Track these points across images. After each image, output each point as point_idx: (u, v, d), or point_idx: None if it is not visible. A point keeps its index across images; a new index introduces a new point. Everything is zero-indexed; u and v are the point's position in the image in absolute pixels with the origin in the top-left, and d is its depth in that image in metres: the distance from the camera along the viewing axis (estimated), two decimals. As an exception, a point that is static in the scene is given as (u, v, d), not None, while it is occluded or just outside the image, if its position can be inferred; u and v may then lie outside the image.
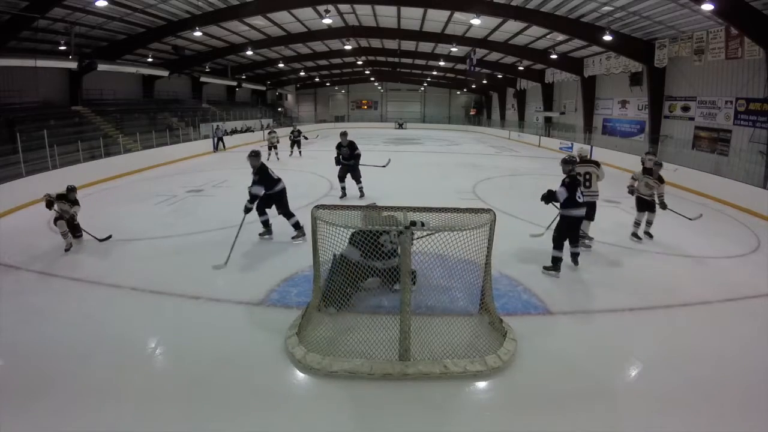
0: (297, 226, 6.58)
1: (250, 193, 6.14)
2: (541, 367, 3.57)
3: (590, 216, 6.22)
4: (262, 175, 6.25)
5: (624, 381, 3.57)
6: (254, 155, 6.41)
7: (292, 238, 6.58)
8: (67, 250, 6.17)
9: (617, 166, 15.80)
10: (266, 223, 6.69)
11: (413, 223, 3.52)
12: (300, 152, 17.31)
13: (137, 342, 3.92)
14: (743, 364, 3.69)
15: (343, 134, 9.37)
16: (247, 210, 6.04)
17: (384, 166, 10.52)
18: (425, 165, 15.98)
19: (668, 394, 3.27)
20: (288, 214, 6.62)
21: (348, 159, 9.12)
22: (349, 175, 9.26)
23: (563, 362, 3.65)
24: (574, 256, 5.62)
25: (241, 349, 3.79)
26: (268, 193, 6.36)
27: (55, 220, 6.27)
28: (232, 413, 3.01)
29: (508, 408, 3.20)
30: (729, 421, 3.03)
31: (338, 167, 9.31)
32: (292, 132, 17.77)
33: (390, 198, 9.05)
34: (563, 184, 5.38)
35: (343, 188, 9.45)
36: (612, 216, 8.74)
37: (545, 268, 5.46)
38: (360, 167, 9.33)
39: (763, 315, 4.63)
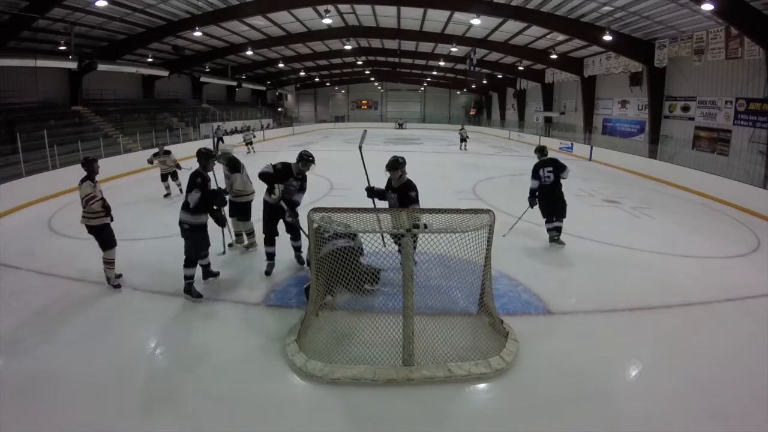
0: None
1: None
2: (542, 368, 3.56)
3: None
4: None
5: (624, 381, 3.57)
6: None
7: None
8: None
9: (618, 166, 15.88)
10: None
11: (416, 226, 3.50)
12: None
13: (137, 343, 3.92)
14: (743, 364, 3.69)
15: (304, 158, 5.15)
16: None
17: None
18: (426, 165, 15.94)
19: (668, 394, 3.27)
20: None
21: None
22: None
23: (564, 362, 3.64)
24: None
25: (241, 352, 3.77)
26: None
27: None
28: (233, 421, 2.99)
29: (512, 410, 3.19)
30: (729, 421, 3.03)
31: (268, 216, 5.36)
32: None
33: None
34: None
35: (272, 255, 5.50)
36: (611, 216, 8.76)
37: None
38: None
39: (763, 315, 4.62)
